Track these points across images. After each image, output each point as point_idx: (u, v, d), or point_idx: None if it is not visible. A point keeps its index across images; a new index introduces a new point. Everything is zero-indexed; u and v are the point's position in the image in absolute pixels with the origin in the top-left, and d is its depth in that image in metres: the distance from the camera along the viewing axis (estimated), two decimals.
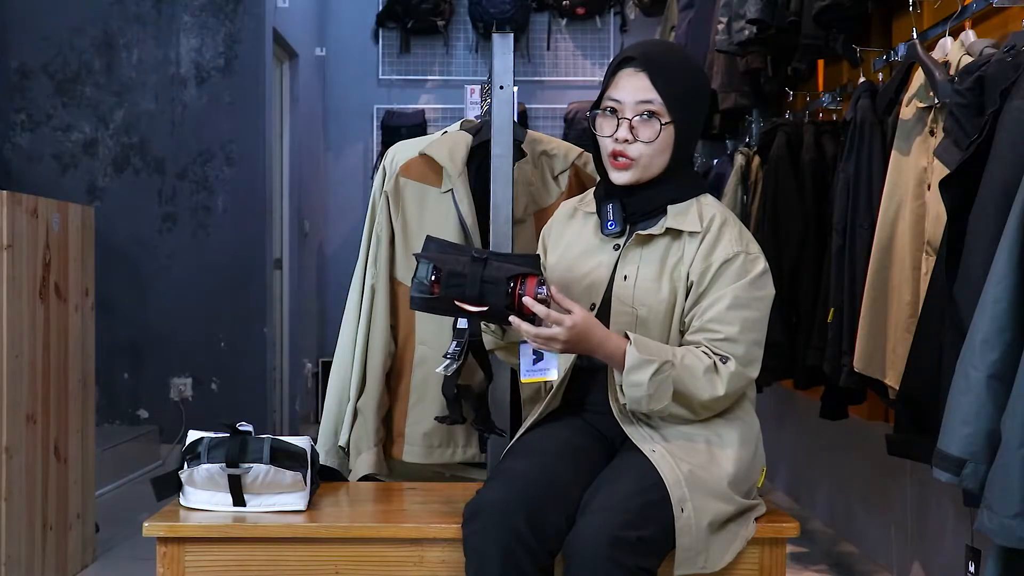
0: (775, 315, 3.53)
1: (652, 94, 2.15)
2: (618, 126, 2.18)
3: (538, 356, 2.16)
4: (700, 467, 2.09)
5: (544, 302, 2.05)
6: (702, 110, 2.26)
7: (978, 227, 2.05)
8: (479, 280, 2.05)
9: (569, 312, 2.05)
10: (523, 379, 2.19)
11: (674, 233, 2.18)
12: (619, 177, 2.19)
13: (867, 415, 3.46)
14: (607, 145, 2.20)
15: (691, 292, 2.15)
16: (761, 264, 2.18)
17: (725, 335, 2.11)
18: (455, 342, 2.22)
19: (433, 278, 2.08)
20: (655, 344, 2.11)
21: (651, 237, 2.19)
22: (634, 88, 2.17)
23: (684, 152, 2.21)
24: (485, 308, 2.06)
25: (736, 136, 5.07)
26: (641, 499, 2.02)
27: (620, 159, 2.18)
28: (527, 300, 2.04)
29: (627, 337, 2.09)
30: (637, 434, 2.14)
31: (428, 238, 2.20)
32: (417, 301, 2.11)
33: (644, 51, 2.20)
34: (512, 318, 2.06)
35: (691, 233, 2.17)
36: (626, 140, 2.17)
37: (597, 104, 2.22)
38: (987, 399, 1.83)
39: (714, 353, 2.11)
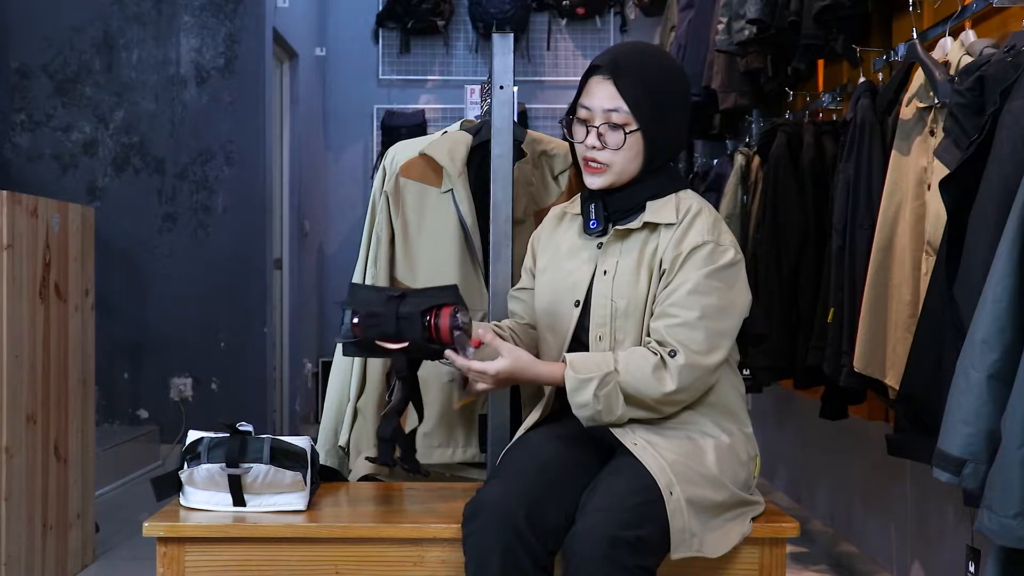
0: (773, 313, 3.61)
1: (618, 102, 2.18)
2: (587, 133, 2.22)
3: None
4: (685, 455, 2.11)
5: (461, 328, 2.09)
6: (677, 112, 2.25)
7: (978, 227, 2.05)
8: (395, 317, 2.09)
9: (499, 355, 2.13)
10: (455, 405, 2.28)
11: (651, 226, 2.21)
12: (593, 182, 2.24)
13: (867, 415, 3.45)
14: (580, 151, 2.25)
15: (662, 279, 2.17)
16: (730, 255, 2.17)
17: (683, 320, 2.12)
18: (390, 388, 2.25)
19: (355, 321, 2.13)
20: (594, 358, 2.13)
21: (629, 232, 2.22)
22: (601, 96, 2.20)
23: (658, 155, 2.23)
24: (406, 344, 2.11)
25: (736, 136, 5.07)
26: (638, 499, 2.02)
27: (592, 164, 2.22)
28: (442, 327, 2.09)
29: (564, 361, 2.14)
30: (619, 429, 2.15)
31: (352, 285, 2.25)
32: (344, 347, 2.19)
33: (613, 58, 2.22)
34: (447, 352, 2.12)
35: (667, 225, 2.20)
36: (595, 147, 2.21)
37: (571, 110, 2.26)
38: (987, 399, 1.82)
39: (663, 346, 2.12)
